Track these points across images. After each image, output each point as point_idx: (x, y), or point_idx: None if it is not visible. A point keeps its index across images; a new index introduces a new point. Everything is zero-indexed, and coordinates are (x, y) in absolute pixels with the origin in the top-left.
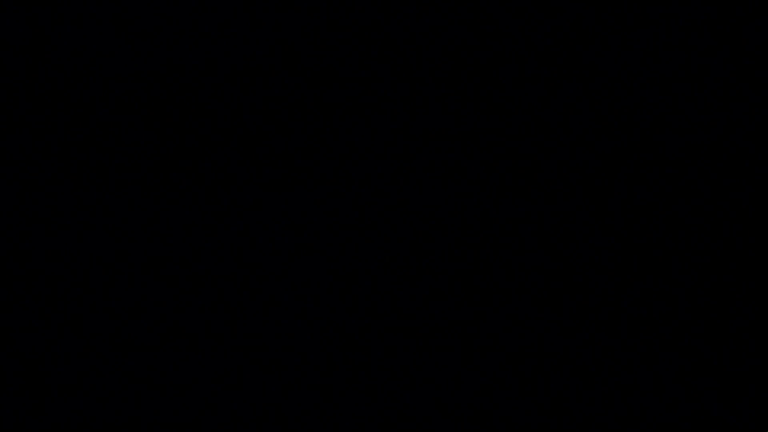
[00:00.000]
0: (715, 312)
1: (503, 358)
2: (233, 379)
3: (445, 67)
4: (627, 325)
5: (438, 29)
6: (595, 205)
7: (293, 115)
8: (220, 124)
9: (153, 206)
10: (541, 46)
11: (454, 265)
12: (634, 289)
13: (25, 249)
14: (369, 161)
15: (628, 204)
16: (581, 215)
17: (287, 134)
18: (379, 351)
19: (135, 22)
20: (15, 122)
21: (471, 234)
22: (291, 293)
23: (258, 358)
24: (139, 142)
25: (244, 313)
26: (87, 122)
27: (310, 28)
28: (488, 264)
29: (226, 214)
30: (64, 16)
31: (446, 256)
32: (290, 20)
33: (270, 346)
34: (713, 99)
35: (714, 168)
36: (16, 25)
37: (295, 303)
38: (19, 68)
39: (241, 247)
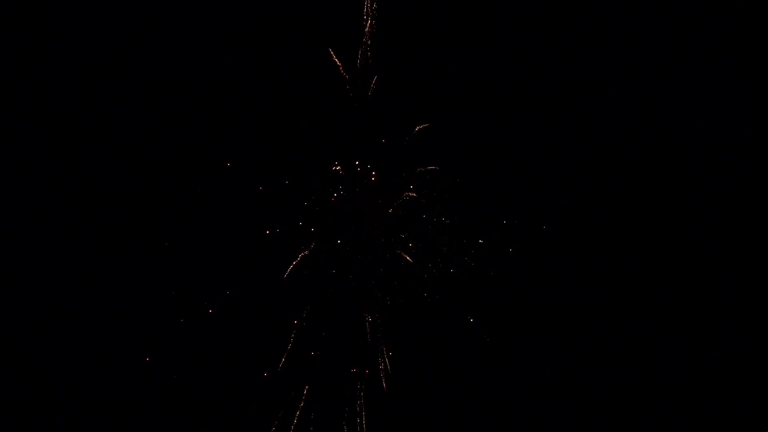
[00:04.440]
0: (716, 313)
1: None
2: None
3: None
4: (627, 326)
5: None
6: (593, 207)
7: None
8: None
9: (152, 206)
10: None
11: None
12: (634, 290)
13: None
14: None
15: (624, 205)
16: (580, 216)
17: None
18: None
19: (134, 22)
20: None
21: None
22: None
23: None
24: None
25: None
26: (86, 122)
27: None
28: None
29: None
30: (62, 16)
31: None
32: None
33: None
34: (712, 98)
35: (713, 168)
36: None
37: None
38: (18, 68)
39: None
